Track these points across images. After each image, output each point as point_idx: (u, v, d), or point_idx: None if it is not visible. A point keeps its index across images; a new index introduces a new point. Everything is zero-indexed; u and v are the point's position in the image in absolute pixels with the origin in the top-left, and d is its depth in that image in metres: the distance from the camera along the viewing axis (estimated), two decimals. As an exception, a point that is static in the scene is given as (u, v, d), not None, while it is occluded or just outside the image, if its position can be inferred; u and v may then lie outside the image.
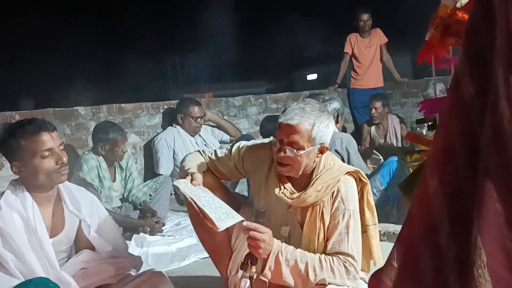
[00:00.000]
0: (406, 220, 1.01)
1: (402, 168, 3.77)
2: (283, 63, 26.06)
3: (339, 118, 3.83)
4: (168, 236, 3.74)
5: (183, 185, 2.02)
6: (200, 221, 1.98)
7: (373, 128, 5.62)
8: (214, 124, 5.10)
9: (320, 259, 1.97)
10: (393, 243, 1.02)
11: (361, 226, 2.10)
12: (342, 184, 2.07)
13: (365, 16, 6.36)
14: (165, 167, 4.64)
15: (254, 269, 1.89)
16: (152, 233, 3.74)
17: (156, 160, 4.69)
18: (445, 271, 0.90)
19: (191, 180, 2.06)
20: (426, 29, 1.56)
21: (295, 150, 2.00)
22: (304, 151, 2.01)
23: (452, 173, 0.92)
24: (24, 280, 1.86)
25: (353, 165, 2.35)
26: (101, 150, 3.93)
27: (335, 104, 3.77)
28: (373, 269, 1.97)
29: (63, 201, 2.10)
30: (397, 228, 3.33)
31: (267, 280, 2.00)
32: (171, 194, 4.40)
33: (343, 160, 3.26)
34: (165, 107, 5.10)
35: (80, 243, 2.14)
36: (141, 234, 3.68)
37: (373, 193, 3.44)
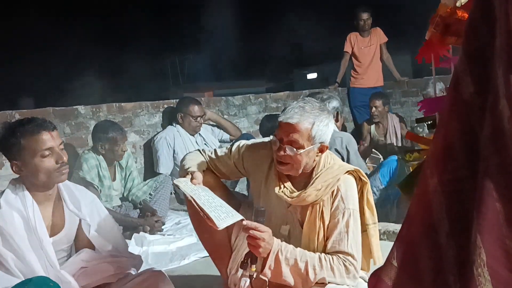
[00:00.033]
0: (405, 219, 1.01)
1: (402, 167, 3.78)
2: (283, 62, 26.06)
3: (339, 117, 3.83)
4: (168, 235, 3.74)
5: (183, 184, 2.02)
6: (200, 220, 1.98)
7: (373, 126, 5.62)
8: (214, 123, 5.10)
9: (320, 258, 1.97)
10: (392, 242, 1.02)
11: (361, 225, 2.10)
12: (342, 183, 2.07)
13: (365, 15, 6.37)
14: (165, 166, 4.64)
15: (254, 268, 1.89)
16: (152, 232, 3.74)
17: (156, 159, 4.69)
18: (444, 270, 0.90)
19: (191, 179, 2.06)
20: (426, 28, 1.56)
21: (295, 149, 2.01)
22: (304, 150, 2.01)
23: (452, 172, 0.92)
24: (24, 279, 1.87)
25: (352, 165, 2.35)
26: (101, 149, 3.94)
27: (334, 103, 3.77)
28: (372, 268, 1.98)
29: (63, 200, 2.10)
30: (397, 227, 3.33)
31: (267, 279, 2.00)
32: (171, 193, 4.41)
33: (343, 159, 3.26)
34: (165, 106, 5.10)
35: (80, 242, 2.14)
36: (141, 233, 3.68)
37: (373, 192, 3.44)
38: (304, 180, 2.12)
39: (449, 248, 0.90)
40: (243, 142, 2.29)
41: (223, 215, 1.87)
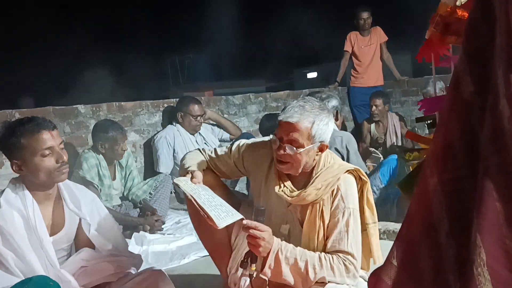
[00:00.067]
0: (405, 219, 1.01)
1: (402, 166, 3.78)
2: (283, 61, 26.08)
3: (339, 116, 3.83)
4: (168, 234, 3.75)
5: (183, 183, 2.02)
6: (200, 219, 1.98)
7: (373, 125, 5.63)
8: (214, 123, 5.10)
9: (320, 258, 1.97)
10: (392, 242, 1.02)
11: (361, 225, 2.10)
12: (342, 183, 2.07)
13: (365, 15, 6.37)
14: (165, 165, 4.64)
15: (254, 267, 1.89)
16: (152, 231, 3.74)
17: (156, 158, 4.69)
18: (444, 270, 0.90)
19: (191, 178, 2.06)
20: (426, 27, 1.56)
21: (294, 148, 2.01)
22: (304, 149, 2.01)
23: (451, 172, 0.92)
24: (24, 279, 1.87)
25: (352, 164, 2.35)
26: (101, 148, 3.94)
27: (334, 102, 3.77)
28: (372, 268, 1.98)
29: (63, 199, 2.10)
30: (396, 227, 3.33)
31: (266, 279, 2.00)
32: (171, 193, 4.40)
33: (343, 159, 3.26)
34: (165, 105, 5.10)
35: (80, 242, 2.14)
36: (141, 232, 3.68)
37: (373, 191, 3.44)
38: (304, 179, 2.12)
39: (449, 247, 0.90)
40: (243, 141, 2.29)
41: (223, 214, 1.87)
